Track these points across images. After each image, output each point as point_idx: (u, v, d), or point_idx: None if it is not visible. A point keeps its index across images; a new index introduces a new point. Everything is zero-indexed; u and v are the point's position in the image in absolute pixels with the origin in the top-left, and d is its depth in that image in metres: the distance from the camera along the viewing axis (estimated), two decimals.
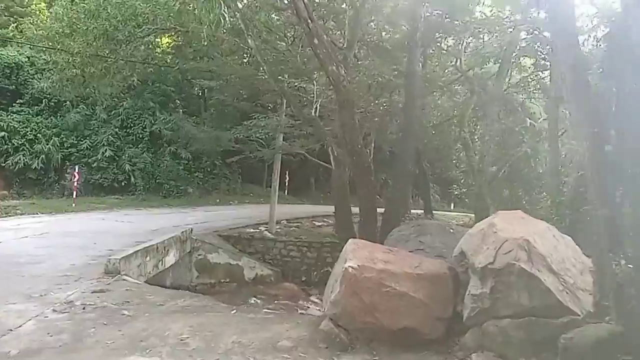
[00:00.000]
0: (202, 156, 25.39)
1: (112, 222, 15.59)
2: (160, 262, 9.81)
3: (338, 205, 6.88)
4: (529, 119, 12.21)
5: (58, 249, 10.06)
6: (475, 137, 12.25)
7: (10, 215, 16.72)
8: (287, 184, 28.07)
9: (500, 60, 12.01)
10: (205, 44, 13.06)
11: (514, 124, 12.89)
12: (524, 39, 12.05)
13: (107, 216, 17.27)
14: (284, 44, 12.79)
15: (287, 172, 27.85)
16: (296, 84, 11.46)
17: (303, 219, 18.15)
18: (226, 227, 15.04)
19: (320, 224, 17.48)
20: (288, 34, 13.20)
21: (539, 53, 12.02)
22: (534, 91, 13.69)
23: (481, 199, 8.23)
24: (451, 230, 5.79)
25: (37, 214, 17.57)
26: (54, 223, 15.09)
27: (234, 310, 5.37)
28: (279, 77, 9.96)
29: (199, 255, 12.53)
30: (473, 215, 21.14)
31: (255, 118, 13.82)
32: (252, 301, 11.23)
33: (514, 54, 12.15)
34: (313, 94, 10.05)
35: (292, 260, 13.24)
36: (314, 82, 10.09)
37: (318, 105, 8.97)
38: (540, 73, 13.92)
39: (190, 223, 15.37)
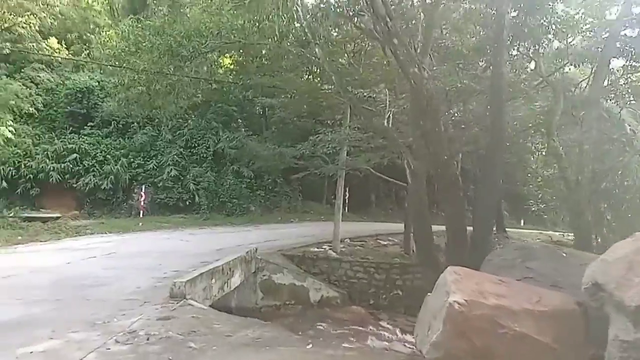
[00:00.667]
0: (264, 174, 25.34)
1: (177, 242, 15.54)
2: (226, 284, 9.40)
3: (415, 224, 6.19)
4: (630, 126, 10.92)
5: (124, 270, 9.91)
6: (562, 147, 11.16)
7: (80, 235, 17.11)
8: (347, 201, 27.45)
9: (593, 62, 10.87)
10: (268, 58, 12.82)
11: (611, 132, 11.64)
12: (621, 37, 10.86)
13: (172, 235, 17.31)
14: (344, 59, 12.36)
15: (347, 189, 27.36)
16: (365, 93, 10.89)
17: (367, 238, 17.41)
18: (289, 246, 14.57)
19: (385, 242, 16.67)
20: (348, 47, 12.77)
21: (631, 53, 10.80)
22: (626, 95, 12.35)
23: (581, 216, 7.20)
24: (563, 254, 4.88)
25: (106, 233, 17.91)
26: (121, 243, 15.23)
27: (310, 345, 4.75)
28: (347, 88, 9.43)
29: (264, 275, 12.09)
30: (553, 232, 19.67)
31: (320, 133, 13.38)
32: (320, 326, 10.58)
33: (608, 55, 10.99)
34: (384, 103, 9.46)
35: (359, 281, 12.52)
36: (386, 90, 9.48)
37: (390, 115, 8.33)
38: (631, 76, 12.59)
39: (254, 242, 15.05)
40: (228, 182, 23.77)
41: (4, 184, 20.26)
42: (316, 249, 14.03)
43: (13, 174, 20.48)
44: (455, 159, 8.24)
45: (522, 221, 32.66)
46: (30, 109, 16.48)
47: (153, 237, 16.97)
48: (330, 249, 13.79)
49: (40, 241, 15.22)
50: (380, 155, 12.26)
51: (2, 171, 20.24)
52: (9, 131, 15.01)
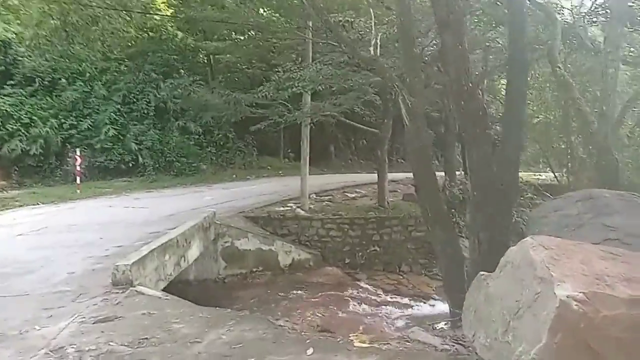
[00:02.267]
0: (213, 129, 23.39)
1: (121, 209, 13.73)
2: (183, 259, 7.91)
3: (417, 170, 5.03)
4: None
5: (56, 250, 8.18)
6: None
7: (6, 208, 14.90)
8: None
9: None
10: None
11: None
12: None
13: (115, 202, 15.41)
14: None
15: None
16: (341, 18, 9.21)
17: (332, 191, 16.18)
18: (251, 206, 13.12)
19: (353, 195, 15.52)
20: None
21: None
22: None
23: (607, 153, 6.21)
24: None
25: (37, 204, 15.73)
26: (55, 215, 13.25)
27: (311, 350, 3.43)
28: (322, 11, 7.77)
29: (226, 242, 10.66)
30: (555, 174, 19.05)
31: (273, 80, 11.69)
32: (294, 294, 9.36)
33: None
34: (365, 30, 7.98)
35: (332, 240, 11.32)
36: (371, 11, 7.88)
37: (378, 41, 6.85)
38: None
39: (210, 204, 13.49)
40: (174, 139, 21.70)
41: None
42: (282, 208, 12.65)
43: None
44: (480, 88, 7.05)
45: None
46: None
47: (93, 205, 15.02)
48: (297, 206, 12.46)
49: None
50: (354, 96, 10.84)
51: None
52: None
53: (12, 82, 20.34)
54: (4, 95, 19.96)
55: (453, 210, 12.86)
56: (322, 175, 23.44)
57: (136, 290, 5.60)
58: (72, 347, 3.76)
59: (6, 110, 19.42)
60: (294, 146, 27.28)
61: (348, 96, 11.38)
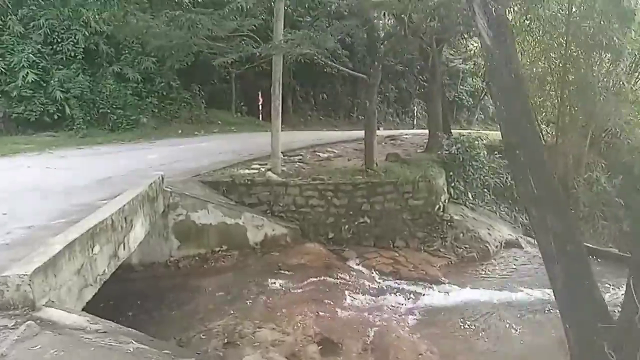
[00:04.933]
0: (154, 77, 20.23)
1: (42, 171, 10.94)
2: (122, 246, 5.56)
3: (511, 123, 3.25)
4: None
5: None
6: None
7: None
8: (260, 108, 23.54)
9: None
10: None
11: None
12: None
13: (35, 162, 12.47)
14: None
15: (259, 94, 23.31)
16: None
17: (300, 150, 13.95)
18: (207, 168, 10.72)
19: (325, 155, 13.38)
20: None
21: None
22: None
23: None
24: None
25: None
26: None
27: None
28: None
29: (179, 215, 8.29)
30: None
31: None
32: (273, 285, 7.25)
33: None
34: None
35: (313, 210, 9.20)
36: None
37: None
38: None
39: (155, 165, 10.95)
40: (108, 87, 18.42)
41: None
42: (247, 171, 10.30)
43: None
44: None
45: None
46: None
47: (7, 165, 12.05)
48: (265, 169, 10.17)
49: None
50: (353, 25, 8.48)
51: None
52: None
53: None
54: None
55: (451, 174, 11.10)
56: (282, 133, 21.07)
57: (40, 320, 3.30)
58: None
59: None
60: (247, 99, 24.59)
61: (339, 26, 8.94)
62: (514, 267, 9.35)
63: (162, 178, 8.18)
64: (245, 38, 9.23)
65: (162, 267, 8.03)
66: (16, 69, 17.00)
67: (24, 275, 3.38)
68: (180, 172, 10.10)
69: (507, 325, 6.88)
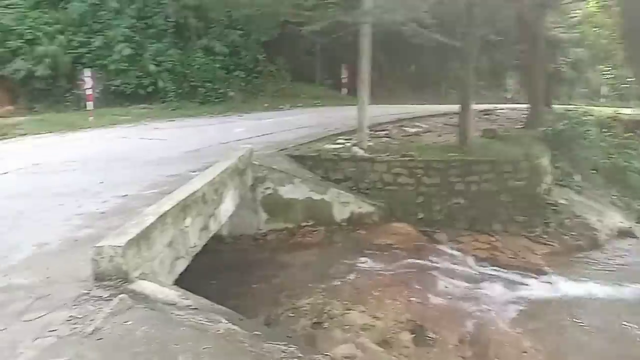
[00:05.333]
0: (240, 50, 20.42)
1: (137, 142, 11.38)
2: (212, 219, 5.49)
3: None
4: None
5: (37, 201, 5.86)
6: None
7: (8, 137, 12.72)
8: (344, 81, 23.09)
9: None
10: None
11: None
12: None
13: (131, 132, 13.05)
14: None
15: (343, 67, 22.84)
16: None
17: (387, 125, 13.39)
18: (292, 142, 10.54)
19: (413, 130, 12.73)
20: None
21: None
22: None
23: None
24: None
25: (44, 133, 13.52)
26: (57, 147, 10.98)
27: None
28: None
29: (267, 189, 8.19)
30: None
31: None
32: (361, 264, 6.93)
33: None
34: None
35: (402, 189, 8.71)
36: None
37: None
38: None
39: (242, 138, 10.98)
40: (197, 60, 18.87)
41: None
42: (332, 146, 10.00)
43: None
44: None
45: None
46: None
47: (105, 136, 12.71)
48: (351, 144, 9.80)
49: None
50: None
51: None
52: None
53: None
54: (3, 7, 17.30)
55: (555, 153, 10.10)
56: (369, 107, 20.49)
57: (133, 292, 3.20)
58: None
59: (7, 25, 16.84)
60: (331, 72, 24.21)
61: None
62: (628, 258, 8.34)
63: (251, 151, 8.09)
64: (332, 6, 8.80)
65: (250, 240, 8.00)
66: (113, 44, 17.83)
67: (118, 246, 3.28)
68: (267, 145, 10.01)
69: (624, 324, 6.09)
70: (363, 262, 6.92)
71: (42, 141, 11.99)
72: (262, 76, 21.40)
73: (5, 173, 7.82)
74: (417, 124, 13.68)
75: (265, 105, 19.52)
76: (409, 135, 11.89)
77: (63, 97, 17.51)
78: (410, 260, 7.15)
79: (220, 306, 3.51)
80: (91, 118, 15.18)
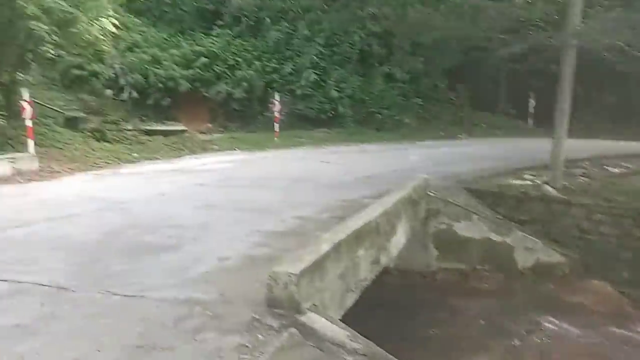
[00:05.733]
0: (421, 77, 20.17)
1: (315, 164, 11.77)
2: (383, 252, 5.19)
3: None
4: None
5: (221, 213, 6.25)
6: None
7: (204, 152, 14.32)
8: (531, 112, 21.25)
9: None
10: None
11: None
12: None
13: (309, 154, 13.63)
14: None
15: (530, 95, 21.04)
16: None
17: (583, 162, 11.74)
18: (470, 174, 9.82)
19: (617, 170, 10.94)
20: None
21: None
22: None
23: None
24: None
25: (233, 150, 14.94)
26: (244, 164, 11.91)
27: None
28: None
29: (440, 224, 7.66)
30: None
31: None
32: (548, 324, 5.94)
33: None
34: None
35: (603, 240, 7.39)
36: None
37: None
38: None
39: (416, 167, 10.59)
40: (377, 87, 19.14)
41: (135, 93, 18.24)
42: (518, 182, 9.03)
43: (143, 82, 18.33)
44: None
45: None
46: None
47: (286, 156, 13.48)
48: (542, 181, 8.72)
49: (156, 159, 12.62)
50: None
51: (132, 80, 18.17)
52: (112, 23, 12.12)
53: (220, 22, 20.07)
54: (214, 36, 19.81)
55: None
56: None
57: (303, 326, 3.02)
58: None
59: (215, 52, 19.19)
60: (516, 101, 22.50)
61: None
62: None
63: (426, 181, 7.66)
64: (532, 27, 7.97)
65: (418, 276, 7.53)
66: (301, 70, 19.05)
67: (293, 274, 3.15)
68: (443, 176, 9.45)
69: None
70: (550, 323, 5.92)
71: (233, 157, 13.17)
72: (440, 103, 20.83)
73: (201, 184, 8.65)
74: (622, 163, 11.76)
75: (442, 133, 18.90)
76: (613, 177, 10.22)
77: (254, 119, 19.21)
78: (610, 329, 5.93)
79: (388, 355, 3.15)
80: (276, 139, 16.34)
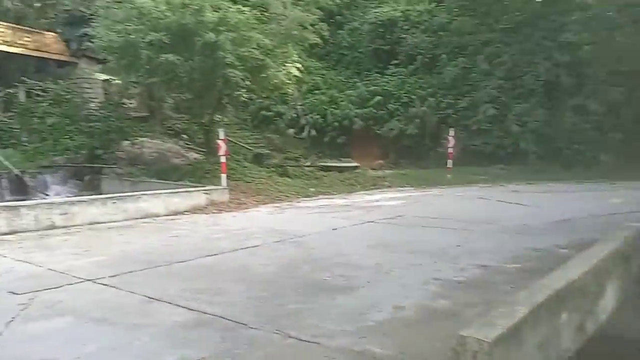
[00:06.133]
0: (619, 108, 17.55)
1: (493, 203, 10.87)
2: (589, 316, 4.30)
3: None
4: None
5: (395, 255, 5.94)
6: None
7: (375, 188, 14.32)
8: None
9: None
10: None
11: None
12: None
13: (487, 193, 12.66)
14: None
15: None
16: None
17: None
18: None
19: None
20: None
21: None
22: None
23: None
24: None
25: (405, 187, 14.69)
26: (416, 202, 11.49)
27: None
28: None
29: None
30: None
31: None
32: None
33: None
34: None
35: None
36: None
37: None
38: None
39: (621, 212, 8.97)
40: (566, 121, 17.17)
41: (313, 132, 19.39)
42: None
43: (321, 122, 19.40)
44: None
45: None
46: (316, 39, 13.52)
47: (462, 194, 12.72)
48: None
49: (330, 193, 12.99)
50: None
51: (311, 119, 19.39)
52: (296, 68, 12.99)
53: (396, 61, 20.31)
54: (389, 75, 20.11)
55: None
56: None
57: None
58: None
59: (389, 90, 19.43)
60: None
61: None
62: None
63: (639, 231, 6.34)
64: None
65: (629, 346, 6.17)
66: (478, 104, 18.13)
67: (485, 341, 2.66)
68: None
69: None
70: None
71: (404, 194, 12.89)
72: None
73: (370, 221, 8.50)
74: None
75: None
76: None
77: (426, 155, 18.78)
78: None
79: None
80: (449, 176, 15.65)
